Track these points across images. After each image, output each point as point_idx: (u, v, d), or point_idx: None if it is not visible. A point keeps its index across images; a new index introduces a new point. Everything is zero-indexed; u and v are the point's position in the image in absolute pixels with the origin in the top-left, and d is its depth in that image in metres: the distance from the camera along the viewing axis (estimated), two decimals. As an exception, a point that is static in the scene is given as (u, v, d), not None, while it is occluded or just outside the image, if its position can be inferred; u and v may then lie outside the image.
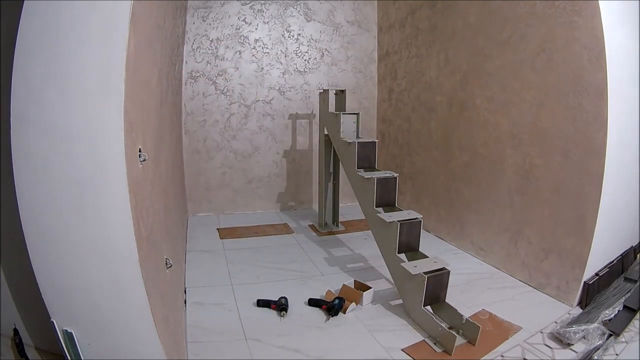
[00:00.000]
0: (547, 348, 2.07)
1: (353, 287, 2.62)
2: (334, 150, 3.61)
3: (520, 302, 2.56)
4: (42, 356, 1.67)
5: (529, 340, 2.14)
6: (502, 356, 2.02)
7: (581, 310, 2.39)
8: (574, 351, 2.03)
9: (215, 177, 4.39)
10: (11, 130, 1.08)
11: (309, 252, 3.38)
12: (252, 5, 4.32)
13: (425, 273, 2.22)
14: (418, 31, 3.98)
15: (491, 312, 2.41)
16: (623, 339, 2.10)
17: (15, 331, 1.63)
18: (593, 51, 2.28)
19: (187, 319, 2.28)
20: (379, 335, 2.21)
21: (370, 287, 2.59)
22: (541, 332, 2.20)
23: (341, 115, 3.36)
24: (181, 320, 2.11)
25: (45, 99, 1.08)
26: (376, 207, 2.74)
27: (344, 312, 2.40)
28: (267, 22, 4.39)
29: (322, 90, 3.79)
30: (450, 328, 2.18)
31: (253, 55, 4.37)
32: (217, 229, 3.90)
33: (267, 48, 4.41)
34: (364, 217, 2.95)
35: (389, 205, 2.80)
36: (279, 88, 4.49)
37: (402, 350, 2.07)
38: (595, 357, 1.93)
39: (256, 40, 4.36)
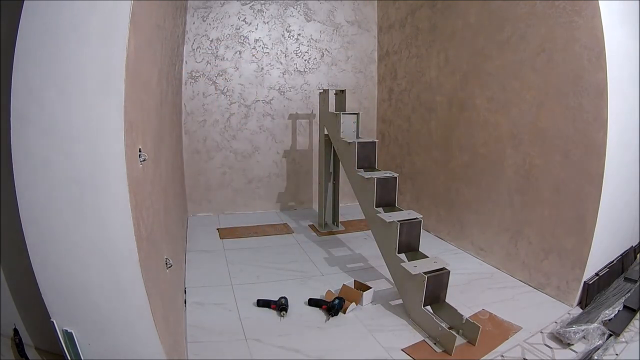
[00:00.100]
0: (547, 348, 2.07)
1: (353, 287, 2.62)
2: (334, 150, 3.61)
3: (520, 302, 2.56)
4: (42, 356, 1.67)
5: (529, 340, 2.14)
6: (502, 356, 2.02)
7: (581, 310, 2.39)
8: (574, 351, 2.03)
9: (215, 177, 4.39)
10: (11, 130, 1.08)
11: (309, 252, 3.38)
12: (252, 5, 4.32)
13: (425, 273, 2.22)
14: (418, 31, 3.98)
15: (491, 312, 2.41)
16: (623, 339, 2.10)
17: (15, 331, 1.63)
18: (593, 51, 2.28)
19: (187, 319, 2.28)
20: (379, 335, 2.21)
21: (370, 287, 2.59)
22: (541, 332, 2.20)
23: (341, 115, 3.36)
24: (181, 320, 2.11)
25: (45, 99, 1.08)
26: (376, 207, 2.74)
27: (344, 312, 2.40)
28: (267, 22, 4.39)
29: (322, 90, 3.79)
30: (450, 328, 2.18)
31: (253, 55, 4.37)
32: (217, 229, 3.90)
33: (267, 48, 4.41)
34: (364, 217, 2.95)
35: (389, 205, 2.80)
36: (279, 88, 4.49)
37: (402, 350, 2.07)
38: (595, 357, 1.93)
39: (256, 40, 4.36)
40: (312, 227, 4.04)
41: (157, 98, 1.86)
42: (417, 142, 4.07)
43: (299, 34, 4.52)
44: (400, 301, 2.51)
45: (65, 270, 1.17)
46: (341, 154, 3.32)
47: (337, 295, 2.50)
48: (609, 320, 2.17)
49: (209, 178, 4.37)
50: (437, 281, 2.27)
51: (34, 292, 1.16)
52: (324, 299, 2.51)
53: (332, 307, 2.38)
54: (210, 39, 4.21)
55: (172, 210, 2.40)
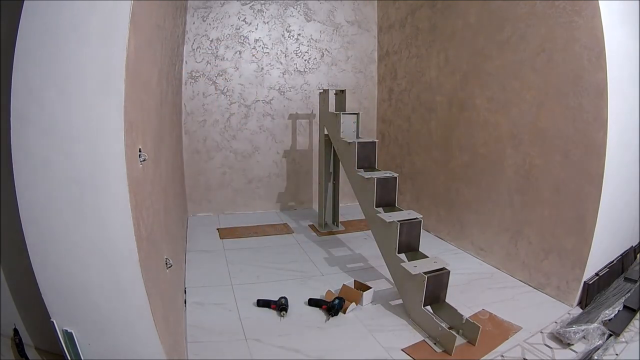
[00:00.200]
0: (547, 348, 2.07)
1: (353, 287, 2.62)
2: (334, 150, 3.61)
3: (520, 302, 2.56)
4: (42, 356, 1.67)
5: (529, 340, 2.14)
6: (502, 356, 2.02)
7: (581, 310, 2.39)
8: (574, 351, 2.03)
9: (215, 177, 4.39)
10: (11, 130, 1.08)
11: (309, 252, 3.38)
12: (252, 5, 4.32)
13: (425, 273, 2.22)
14: (418, 31, 3.98)
15: (491, 312, 2.41)
16: (623, 339, 2.10)
17: (15, 331, 1.63)
18: (593, 51, 2.28)
19: (187, 319, 2.28)
20: (379, 335, 2.21)
21: (370, 287, 2.59)
22: (541, 332, 2.20)
23: (341, 115, 3.36)
24: (181, 320, 2.11)
25: (45, 99, 1.08)
26: (376, 207, 2.74)
27: (344, 312, 2.40)
28: (267, 22, 4.39)
29: (322, 90, 3.79)
30: (450, 328, 2.18)
31: (253, 55, 4.37)
32: (217, 229, 3.90)
33: (267, 48, 4.41)
34: (364, 217, 2.95)
35: (389, 205, 2.80)
36: (279, 88, 4.49)
37: (402, 350, 2.07)
38: (595, 357, 1.93)
39: (256, 40, 4.36)
40: (312, 227, 4.04)
41: (157, 98, 1.86)
42: (417, 142, 4.07)
43: (299, 34, 4.52)
44: (400, 301, 2.51)
45: (65, 270, 1.17)
46: (341, 154, 3.32)
47: (337, 295, 2.50)
48: (609, 320, 2.17)
49: (209, 178, 4.37)
50: (437, 281, 2.27)
51: (34, 292, 1.16)
52: (324, 299, 2.51)
53: (332, 307, 2.38)
54: (210, 39, 4.21)
55: (172, 210, 2.40)
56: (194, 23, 4.14)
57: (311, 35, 4.57)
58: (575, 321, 2.19)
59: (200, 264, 3.07)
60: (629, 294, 2.40)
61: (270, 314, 2.39)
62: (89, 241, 1.16)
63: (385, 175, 2.81)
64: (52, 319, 1.19)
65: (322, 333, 2.23)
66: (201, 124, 4.28)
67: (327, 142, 3.75)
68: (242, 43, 4.32)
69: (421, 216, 2.58)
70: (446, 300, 2.31)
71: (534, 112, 2.70)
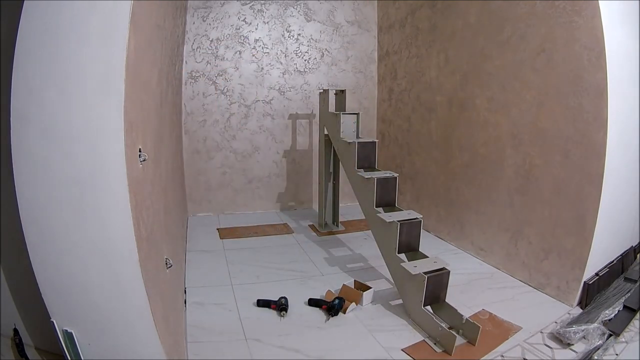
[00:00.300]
0: (547, 348, 2.07)
1: (353, 287, 2.62)
2: (334, 150, 3.61)
3: (520, 302, 2.56)
4: (42, 356, 1.67)
5: (529, 340, 2.14)
6: (502, 356, 2.02)
7: (581, 310, 2.39)
8: (574, 351, 2.03)
9: (215, 177, 4.39)
10: (11, 130, 1.08)
11: (309, 252, 3.38)
12: (252, 5, 4.32)
13: (425, 273, 2.22)
14: (418, 31, 3.98)
15: (491, 312, 2.41)
16: (623, 339, 2.10)
17: (15, 331, 1.63)
18: (593, 51, 2.28)
19: (187, 319, 2.28)
20: (379, 335, 2.21)
21: (370, 287, 2.59)
22: (541, 332, 2.20)
23: (341, 115, 3.36)
24: (181, 320, 2.11)
25: (45, 99, 1.08)
26: (376, 207, 2.74)
27: (344, 312, 2.40)
28: (267, 22, 4.39)
29: (322, 90, 3.79)
30: (450, 328, 2.18)
31: (253, 55, 4.37)
32: (217, 229, 3.90)
33: (267, 48, 4.41)
34: (364, 217, 2.95)
35: (389, 205, 2.80)
36: (279, 88, 4.49)
37: (402, 350, 2.07)
38: (595, 357, 1.93)
39: (256, 40, 4.36)
40: (312, 227, 4.04)
41: (157, 98, 1.86)
42: (417, 142, 4.07)
43: (299, 34, 4.52)
44: (400, 301, 2.51)
45: (65, 270, 1.17)
46: (341, 154, 3.32)
47: (337, 295, 2.50)
48: (609, 320, 2.17)
49: (209, 178, 4.37)
50: (437, 281, 2.27)
51: (34, 292, 1.16)
52: (324, 299, 2.51)
53: (332, 307, 2.38)
54: (210, 39, 4.21)
55: (172, 210, 2.40)
56: (194, 23, 4.14)
57: (311, 35, 4.57)
58: (575, 321, 2.19)
59: (200, 264, 3.07)
60: (629, 294, 2.40)
61: (270, 314, 2.39)
62: (89, 241, 1.16)
63: (385, 175, 2.81)
64: (52, 319, 1.19)
65: (322, 333, 2.23)
66: (201, 124, 4.28)
67: (327, 142, 3.75)
68: (242, 43, 4.32)
69: (421, 216, 2.58)
70: (446, 300, 2.31)
71: (534, 112, 2.70)
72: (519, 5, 2.76)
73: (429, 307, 2.32)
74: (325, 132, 3.74)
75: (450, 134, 3.54)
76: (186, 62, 4.13)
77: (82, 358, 1.22)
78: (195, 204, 4.33)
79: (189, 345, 2.03)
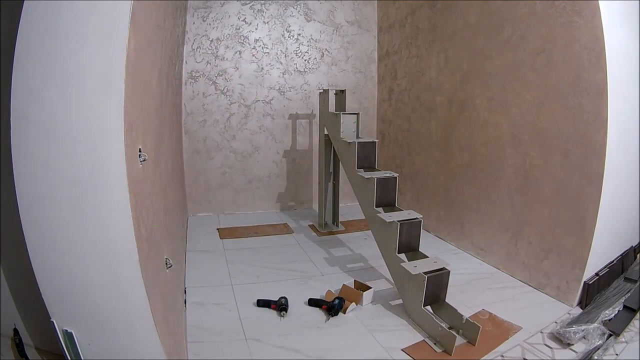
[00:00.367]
0: (547, 348, 2.07)
1: (353, 287, 2.62)
2: (334, 150, 3.61)
3: (520, 302, 2.56)
4: (42, 356, 1.67)
5: (529, 340, 2.14)
6: (502, 356, 2.02)
7: (581, 310, 2.39)
8: (574, 351, 2.03)
9: (215, 177, 4.39)
10: (11, 130, 1.08)
11: (309, 252, 3.38)
12: (252, 5, 4.32)
13: (425, 273, 2.22)
14: (418, 31, 3.98)
15: (491, 312, 2.41)
16: (623, 339, 2.10)
17: (15, 331, 1.63)
18: (593, 51, 2.28)
19: (187, 319, 2.28)
20: (379, 335, 2.21)
21: (370, 287, 2.59)
22: (541, 332, 2.20)
23: (341, 115, 3.36)
24: (181, 320, 2.11)
25: (45, 99, 1.08)
26: (376, 207, 2.74)
27: (344, 312, 2.40)
28: (267, 22, 4.39)
29: (322, 90, 3.79)
30: (450, 328, 2.18)
31: (253, 55, 4.37)
32: (217, 229, 3.90)
33: (267, 48, 4.41)
34: (364, 217, 2.95)
35: (389, 205, 2.80)
36: (279, 88, 4.49)
37: (402, 350, 2.07)
38: (595, 357, 1.93)
39: (256, 40, 4.36)
40: (312, 227, 4.04)
41: (157, 98, 1.86)
42: (417, 142, 4.07)
43: (299, 34, 4.52)
44: (400, 301, 2.51)
45: (65, 270, 1.17)
46: (341, 154, 3.32)
47: (337, 295, 2.50)
48: (609, 320, 2.17)
49: (209, 178, 4.37)
50: (437, 281, 2.27)
51: (34, 292, 1.16)
52: (324, 299, 2.51)
53: (332, 307, 2.38)
54: (210, 39, 4.21)
55: (172, 210, 2.40)
56: (194, 23, 4.14)
57: (311, 35, 4.57)
58: (575, 321, 2.19)
59: (200, 264, 3.07)
60: (629, 294, 2.40)
61: (270, 314, 2.39)
62: (89, 241, 1.16)
63: (385, 175, 2.81)
64: (52, 319, 1.19)
65: (322, 333, 2.23)
66: (201, 124, 4.28)
67: (327, 142, 3.75)
68: (242, 43, 4.32)
69: (421, 216, 2.58)
70: (446, 300, 2.31)
71: (534, 112, 2.70)
72: (519, 5, 2.76)
73: (429, 307, 2.32)
74: (325, 132, 3.74)
75: (450, 134, 3.54)
76: (186, 62, 4.13)
77: (82, 358, 1.22)
78: (195, 204, 4.33)
79: (189, 345, 2.03)
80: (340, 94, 3.72)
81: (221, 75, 4.28)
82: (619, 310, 2.25)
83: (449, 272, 2.31)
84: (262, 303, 2.45)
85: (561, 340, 2.09)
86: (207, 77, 4.24)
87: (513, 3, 2.81)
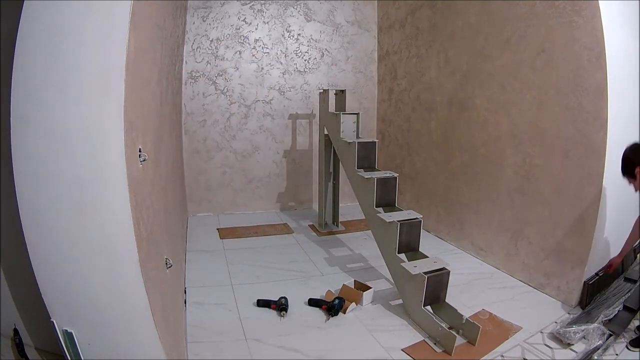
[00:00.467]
0: (547, 348, 2.07)
1: (353, 287, 2.62)
2: (334, 150, 3.61)
3: (520, 302, 2.56)
4: (42, 356, 1.67)
5: (529, 340, 2.14)
6: (502, 356, 2.02)
7: (581, 310, 2.38)
8: (574, 351, 2.03)
9: (215, 177, 4.39)
10: (11, 131, 1.08)
11: (309, 252, 3.38)
12: (252, 5, 4.32)
13: (425, 273, 2.22)
14: (418, 31, 3.98)
15: (491, 312, 2.41)
16: (623, 339, 2.10)
17: (15, 331, 1.63)
18: (593, 51, 2.28)
19: (187, 319, 2.28)
20: (379, 335, 2.21)
21: (370, 287, 2.59)
22: (541, 332, 2.20)
23: (341, 115, 3.36)
24: (181, 320, 2.11)
25: (45, 99, 1.08)
26: (376, 207, 2.74)
27: (344, 312, 2.40)
28: (267, 22, 4.39)
29: (322, 90, 3.79)
30: (450, 328, 2.18)
31: (253, 55, 4.37)
32: (217, 229, 3.90)
33: (267, 48, 4.41)
34: (364, 217, 2.95)
35: (389, 205, 2.80)
36: (279, 88, 4.49)
37: (402, 350, 2.07)
38: (595, 357, 1.93)
39: (256, 40, 4.36)
40: (312, 227, 4.04)
41: (157, 98, 1.86)
42: (417, 142, 4.07)
43: (299, 34, 4.52)
44: (400, 301, 2.51)
45: (65, 270, 1.17)
46: (341, 154, 3.32)
47: (337, 295, 2.50)
48: (609, 320, 2.17)
49: (209, 178, 4.37)
50: (437, 281, 2.27)
51: (34, 292, 1.16)
52: (324, 299, 2.51)
53: (332, 307, 2.38)
54: (210, 39, 4.21)
55: (172, 210, 2.40)
56: (194, 23, 4.14)
57: (311, 35, 4.57)
58: (575, 321, 2.19)
59: (200, 264, 3.07)
60: (629, 294, 2.40)
61: (270, 314, 2.39)
62: (89, 241, 1.16)
63: (385, 175, 2.81)
64: (52, 319, 1.19)
65: (322, 333, 2.23)
66: (201, 124, 4.28)
67: (327, 142, 3.75)
68: (242, 43, 4.32)
69: (421, 216, 2.58)
70: (446, 300, 2.31)
71: (534, 112, 2.70)
72: (519, 5, 2.76)
73: (429, 307, 2.32)
74: (325, 132, 3.74)
75: (450, 134, 3.54)
76: (186, 62, 4.13)
77: (82, 358, 1.22)
78: (195, 204, 4.33)
79: (189, 345, 2.03)
80: (340, 94, 3.72)
81: (221, 75, 4.28)
82: (619, 310, 2.25)
83: (449, 272, 2.31)
84: (262, 303, 2.45)
85: (561, 340, 2.09)
86: (207, 77, 4.24)
87: (513, 3, 2.81)
